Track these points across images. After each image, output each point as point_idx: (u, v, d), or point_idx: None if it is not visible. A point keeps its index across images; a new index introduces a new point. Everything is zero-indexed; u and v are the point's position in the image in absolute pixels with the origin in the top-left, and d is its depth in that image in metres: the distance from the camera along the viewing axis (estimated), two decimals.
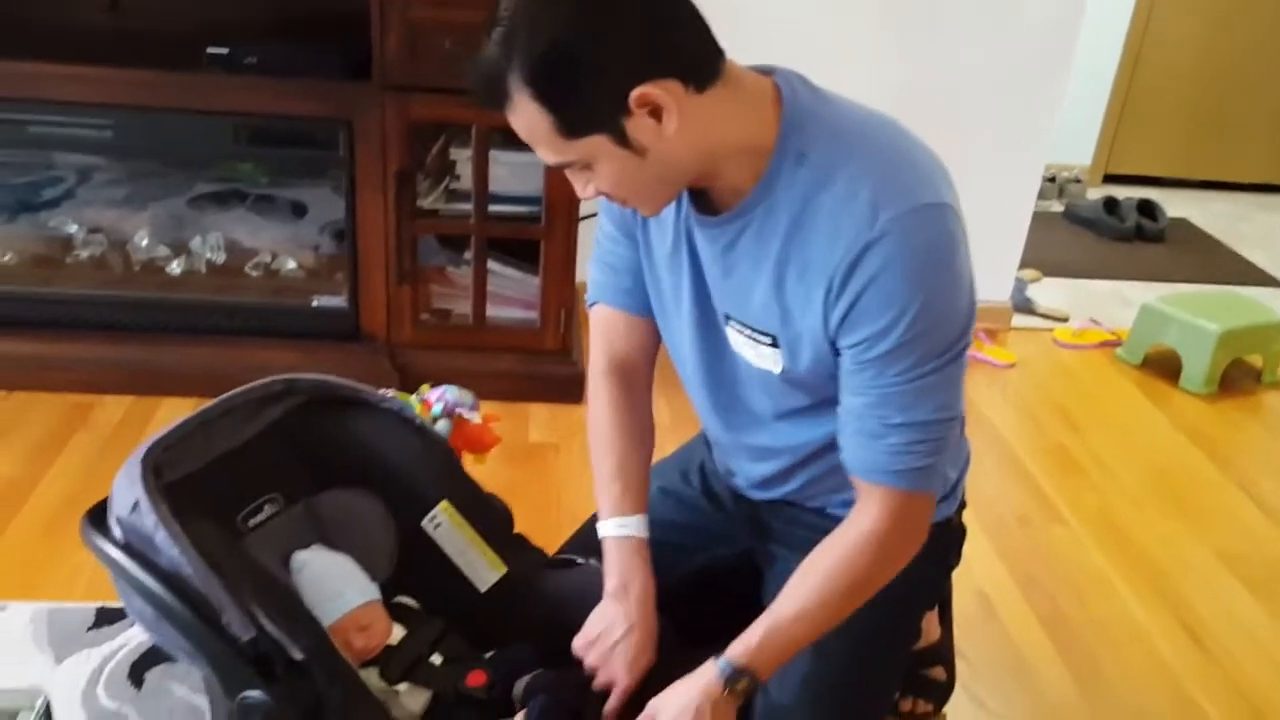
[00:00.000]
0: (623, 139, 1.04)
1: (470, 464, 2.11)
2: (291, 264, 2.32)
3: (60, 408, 2.20)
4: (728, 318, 1.23)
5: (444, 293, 2.38)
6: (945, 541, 1.44)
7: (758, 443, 1.37)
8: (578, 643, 1.33)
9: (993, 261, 2.90)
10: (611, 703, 1.30)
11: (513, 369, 2.34)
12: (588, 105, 1.02)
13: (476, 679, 1.36)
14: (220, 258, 2.29)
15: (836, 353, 1.15)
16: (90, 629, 1.64)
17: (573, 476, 2.13)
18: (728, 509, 1.54)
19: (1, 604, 1.67)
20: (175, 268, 2.27)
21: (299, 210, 2.49)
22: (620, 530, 1.34)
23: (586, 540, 1.56)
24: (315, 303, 2.27)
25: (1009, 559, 2.00)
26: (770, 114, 1.10)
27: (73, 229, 2.27)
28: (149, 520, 1.22)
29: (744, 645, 1.21)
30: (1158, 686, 1.72)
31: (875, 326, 1.08)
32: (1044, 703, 1.67)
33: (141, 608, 1.27)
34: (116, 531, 1.27)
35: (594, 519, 1.62)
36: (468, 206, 2.23)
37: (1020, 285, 3.13)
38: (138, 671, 1.57)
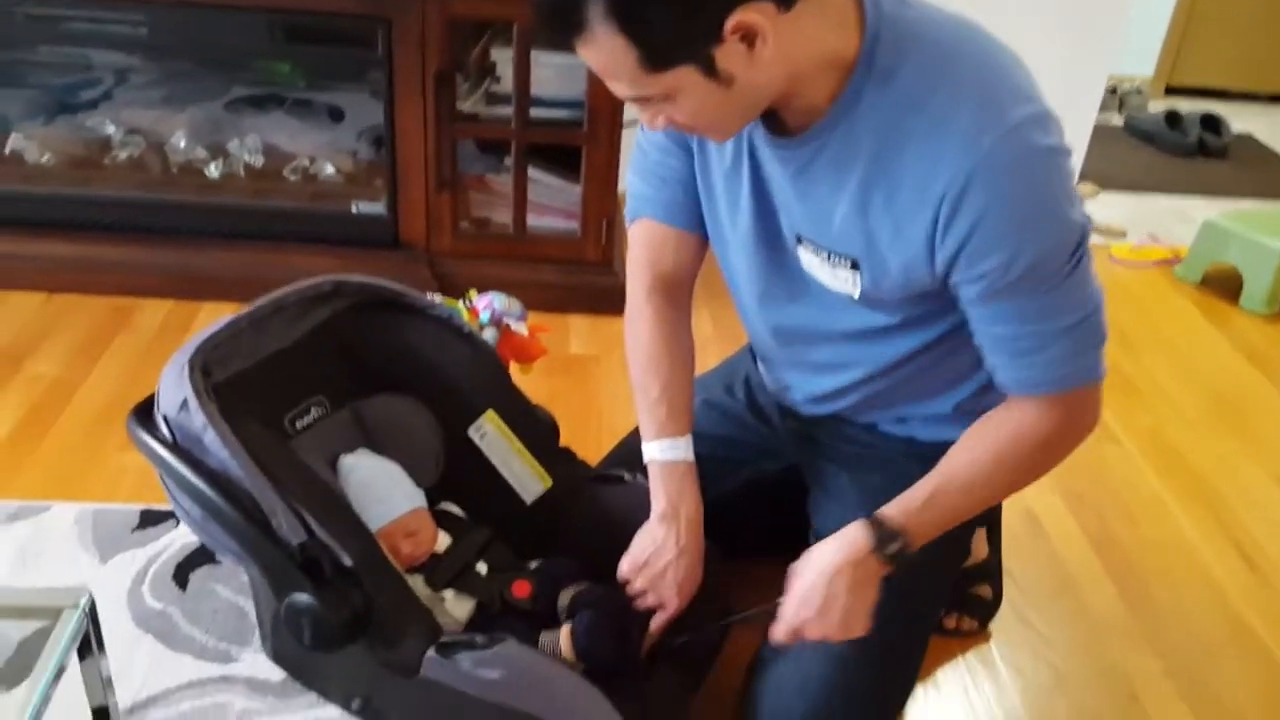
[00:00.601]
0: (711, 69, 0.96)
1: (514, 375, 2.10)
2: (330, 169, 2.28)
3: (101, 310, 2.20)
4: (800, 238, 1.17)
5: (484, 200, 2.33)
6: None
7: (819, 359, 1.32)
8: (625, 565, 1.31)
9: None
10: (657, 623, 1.29)
11: (553, 279, 2.30)
12: (678, 35, 0.94)
13: (521, 589, 1.36)
14: (259, 161, 2.25)
15: (944, 282, 1.09)
16: (135, 530, 1.64)
17: (613, 389, 2.10)
18: (773, 423, 1.51)
19: (46, 504, 1.68)
20: (213, 171, 2.23)
21: (336, 115, 2.44)
22: (669, 453, 1.31)
23: (629, 455, 1.54)
24: (355, 209, 2.23)
25: (1059, 479, 1.95)
26: (852, 23, 1.02)
27: (111, 130, 2.24)
28: (198, 420, 1.21)
29: (904, 505, 1.16)
30: (1209, 608, 1.69)
31: (995, 260, 1.02)
32: (1091, 623, 1.64)
33: (190, 507, 1.26)
34: (164, 429, 1.26)
35: (636, 433, 1.60)
36: (508, 110, 2.16)
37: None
38: (183, 573, 1.58)
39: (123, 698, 1.37)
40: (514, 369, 1.99)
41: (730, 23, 0.93)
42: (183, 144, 2.23)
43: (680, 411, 1.33)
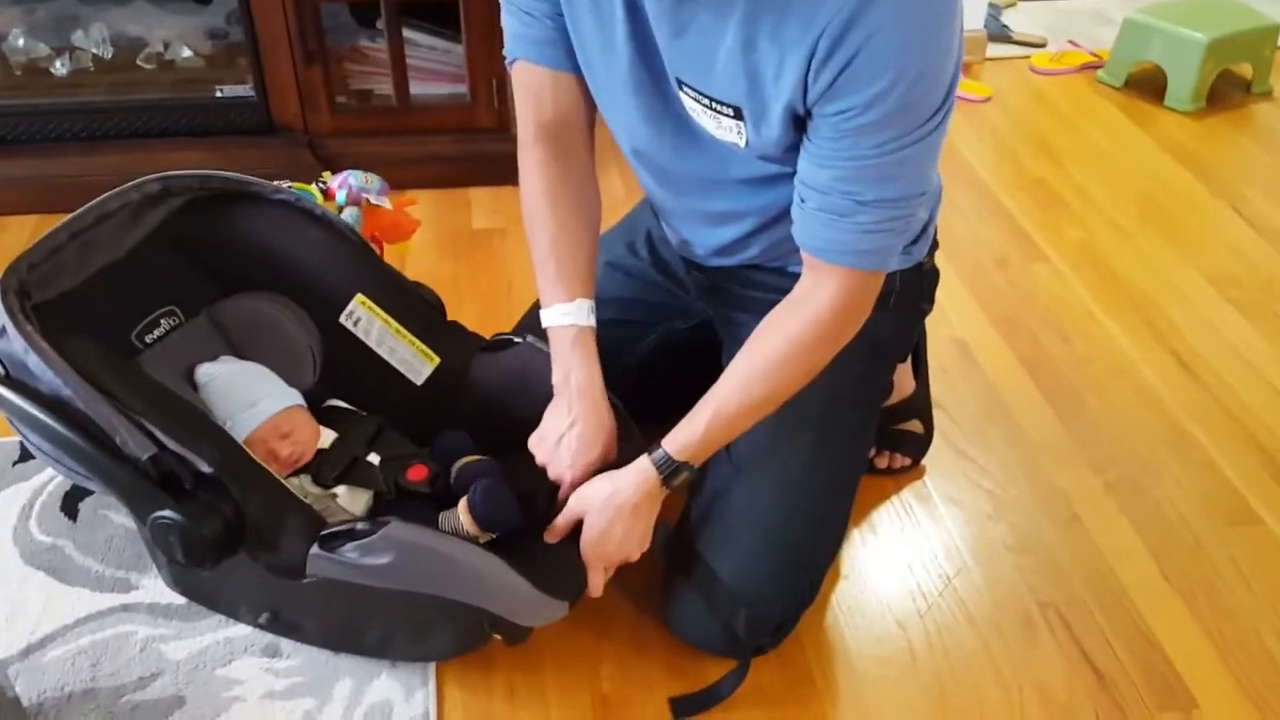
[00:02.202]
0: None
1: (405, 257, 1.98)
2: (187, 52, 2.09)
3: None
4: (680, 83, 1.05)
5: (362, 72, 2.16)
6: (917, 287, 1.33)
7: (715, 209, 1.22)
8: (532, 440, 1.24)
9: None
10: (560, 498, 1.22)
11: (447, 151, 2.15)
12: None
13: (417, 473, 1.28)
14: (108, 52, 2.06)
15: (806, 119, 0.98)
16: (16, 463, 1.54)
17: (523, 262, 1.97)
18: (679, 278, 1.42)
19: None
20: (60, 67, 2.04)
21: None
22: (556, 319, 1.21)
23: (534, 320, 1.44)
24: (219, 93, 2.06)
25: (987, 303, 1.89)
26: None
27: None
28: (18, 345, 1.10)
29: (686, 437, 1.13)
30: (1148, 418, 1.64)
31: (863, 95, 0.91)
32: (1028, 447, 1.59)
33: (35, 440, 1.16)
34: None
35: (529, 313, 1.50)
36: None
37: (994, 12, 2.90)
38: (71, 503, 1.48)
39: (16, 639, 1.29)
40: (392, 251, 1.88)
41: None
42: (22, 41, 2.03)
43: (571, 273, 1.22)
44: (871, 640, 1.30)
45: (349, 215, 1.70)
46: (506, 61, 1.22)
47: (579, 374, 1.20)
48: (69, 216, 1.26)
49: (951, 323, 1.84)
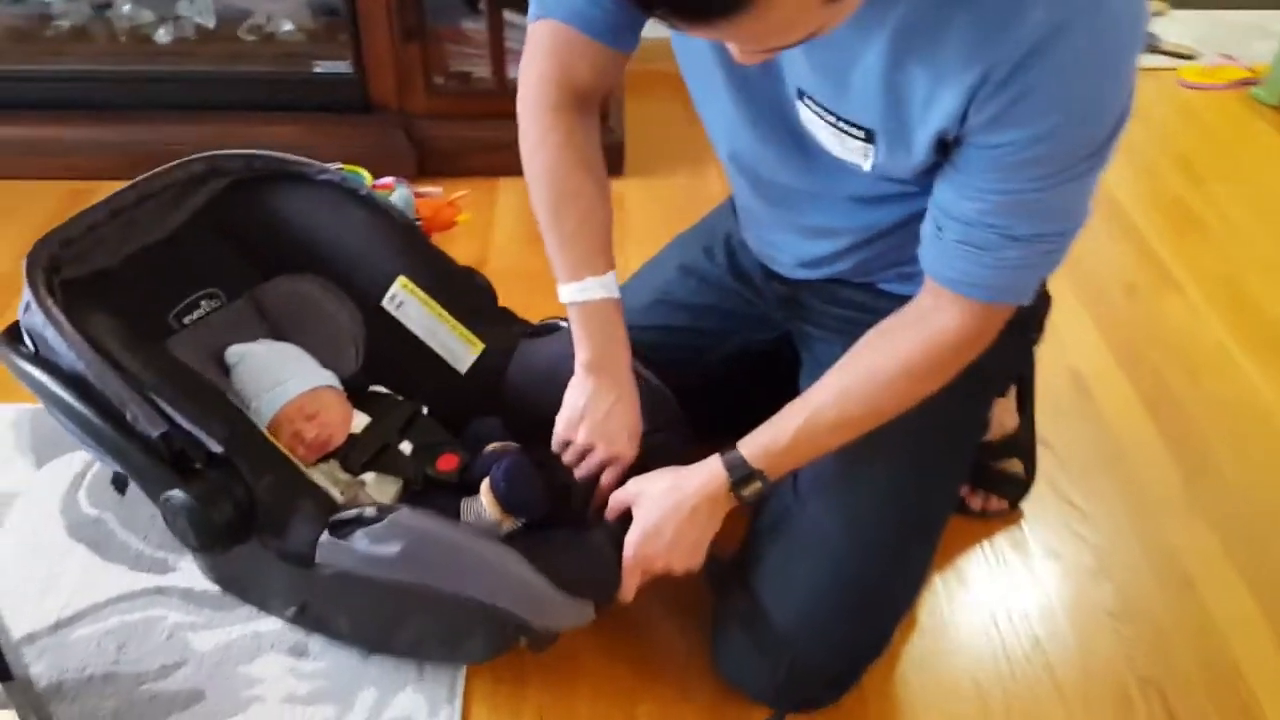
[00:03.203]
0: None
1: (493, 247, 1.91)
2: (289, 26, 2.06)
3: (57, 195, 2.04)
4: (801, 93, 0.94)
5: (461, 53, 2.10)
6: (1026, 314, 1.18)
7: (812, 222, 1.12)
8: (560, 426, 1.15)
9: None
10: (611, 476, 1.12)
11: None
12: None
13: (448, 463, 1.21)
14: (210, 22, 2.04)
15: (954, 146, 0.87)
16: None
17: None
18: (757, 286, 1.31)
19: None
20: (163, 35, 2.03)
21: None
22: (591, 293, 1.11)
23: None
24: (318, 68, 2.02)
25: (1110, 333, 1.72)
26: None
27: None
28: (38, 319, 1.06)
29: (769, 441, 1.02)
30: (1278, 475, 1.46)
31: (1032, 130, 0.81)
32: (1143, 498, 1.43)
33: (60, 418, 1.12)
34: (26, 338, 1.12)
35: None
36: None
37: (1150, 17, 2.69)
38: (121, 478, 1.44)
39: (47, 614, 1.26)
40: (475, 243, 1.83)
41: None
42: (127, 8, 2.02)
43: (601, 246, 1.13)
44: (943, 701, 1.17)
45: (399, 198, 1.63)
46: (530, 16, 1.09)
47: (623, 350, 1.13)
48: (110, 194, 1.22)
49: (1068, 352, 1.68)
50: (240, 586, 1.26)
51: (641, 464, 1.14)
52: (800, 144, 1.01)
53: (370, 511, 1.01)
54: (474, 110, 2.08)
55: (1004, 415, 1.38)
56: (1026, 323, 1.21)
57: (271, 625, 1.24)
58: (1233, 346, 1.70)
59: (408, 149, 2.04)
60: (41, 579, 1.30)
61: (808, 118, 0.97)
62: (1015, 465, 1.41)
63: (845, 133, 0.94)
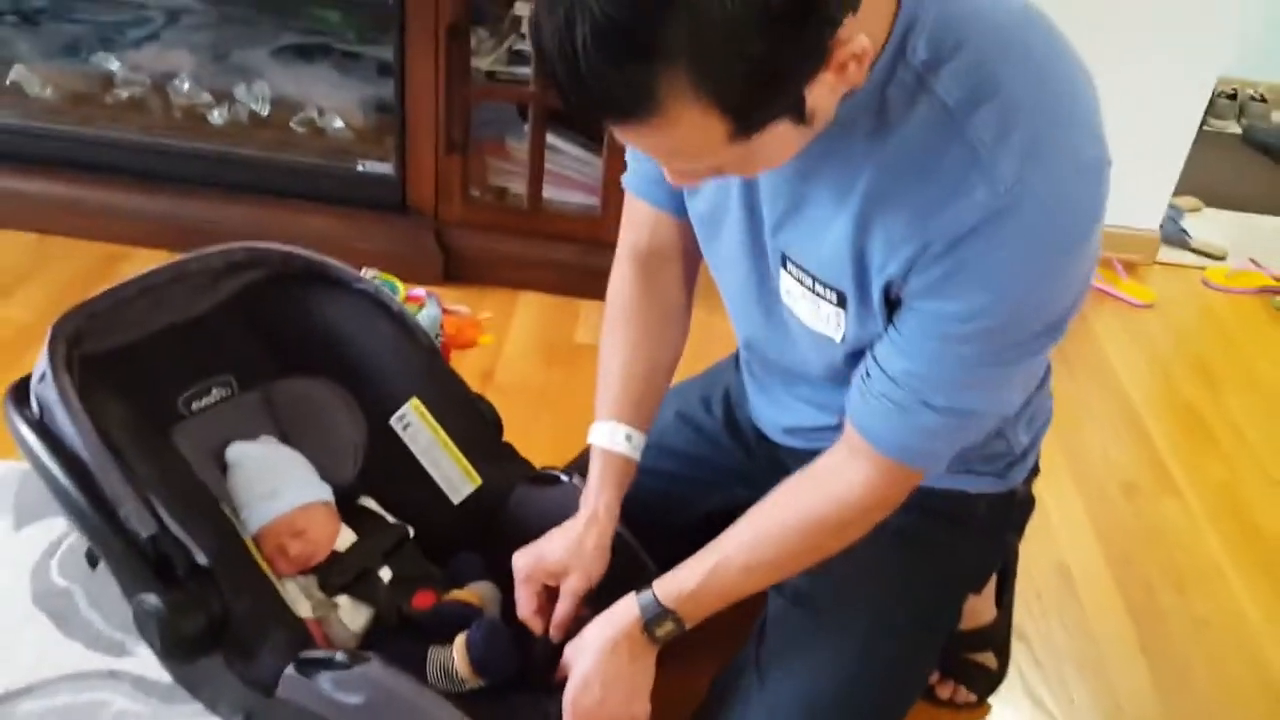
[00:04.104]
0: (801, 114, 0.75)
1: (501, 360, 1.93)
2: (339, 123, 2.13)
3: (91, 257, 2.09)
4: (785, 259, 0.97)
5: (501, 168, 2.15)
6: (1006, 515, 1.20)
7: (797, 394, 1.15)
8: (527, 555, 1.15)
9: (1143, 185, 2.52)
10: (566, 606, 1.13)
11: (568, 259, 2.11)
12: (776, 87, 0.72)
13: (424, 600, 1.20)
14: (265, 110, 2.11)
15: (897, 304, 0.90)
16: None
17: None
18: (749, 444, 1.32)
19: None
20: (217, 117, 2.10)
21: (386, 70, 2.27)
22: (610, 440, 1.16)
23: (587, 460, 1.36)
24: (361, 167, 2.08)
25: (1104, 532, 1.71)
26: (886, 8, 0.79)
27: (114, 67, 2.13)
28: (51, 394, 1.08)
29: (676, 586, 1.03)
30: (1257, 704, 1.43)
31: (963, 304, 0.83)
32: (1115, 710, 1.40)
33: (48, 488, 1.13)
34: (33, 403, 1.13)
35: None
36: (528, 70, 1.99)
37: (1175, 214, 2.73)
38: (94, 555, 1.45)
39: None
40: (488, 348, 1.86)
41: (836, 55, 0.72)
42: (187, 86, 2.10)
43: (635, 396, 1.17)
44: None
45: (427, 314, 1.66)
46: (623, 183, 1.18)
47: (611, 501, 1.14)
48: (145, 272, 1.25)
49: (1059, 546, 1.67)
50: (192, 683, 1.24)
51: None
52: (783, 318, 1.04)
53: (341, 657, 1.01)
54: (505, 225, 2.12)
55: (981, 607, 1.37)
56: (1004, 525, 1.22)
57: None
58: (1225, 562, 1.68)
59: (436, 253, 2.09)
60: None
61: (788, 285, 0.99)
62: (988, 658, 1.38)
63: (820, 296, 0.96)
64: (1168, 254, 2.63)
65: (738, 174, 0.87)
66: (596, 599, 1.13)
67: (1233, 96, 3.47)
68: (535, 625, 1.14)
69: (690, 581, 1.03)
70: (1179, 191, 2.66)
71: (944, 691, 1.37)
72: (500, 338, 2.00)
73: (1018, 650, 1.45)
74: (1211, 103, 3.39)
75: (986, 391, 0.90)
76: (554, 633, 1.13)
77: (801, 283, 0.97)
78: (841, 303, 0.94)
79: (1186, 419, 2.04)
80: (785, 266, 0.98)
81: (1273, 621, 1.57)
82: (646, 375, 1.18)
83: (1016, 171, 0.78)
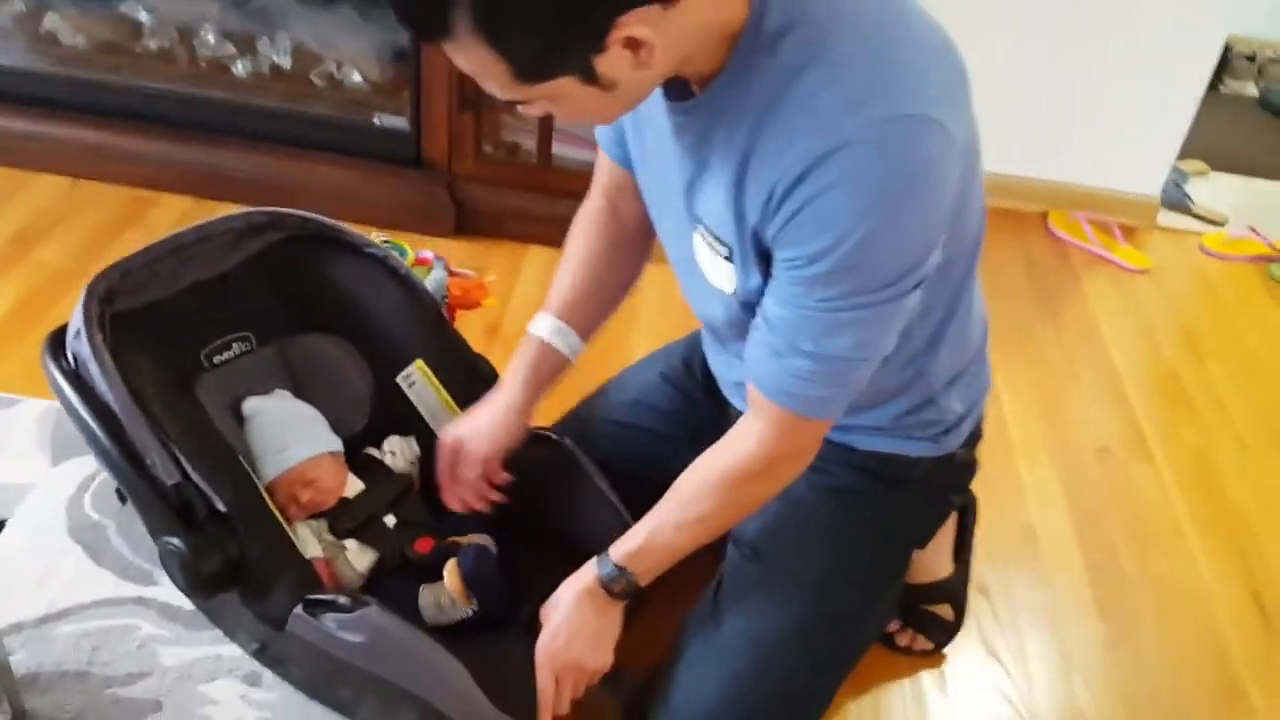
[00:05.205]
0: (591, 77, 0.86)
1: (508, 313, 2.02)
2: (357, 77, 2.20)
3: (120, 201, 2.19)
4: (696, 220, 1.06)
5: (515, 125, 2.23)
6: (945, 477, 1.30)
7: (735, 351, 1.23)
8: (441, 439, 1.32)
9: (1144, 147, 2.55)
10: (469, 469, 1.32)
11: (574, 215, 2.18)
12: (552, 52, 0.84)
13: (424, 545, 1.32)
14: (286, 63, 2.18)
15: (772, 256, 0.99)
16: None
17: (609, 339, 1.99)
18: (723, 405, 1.41)
19: (16, 399, 1.69)
20: (240, 69, 2.18)
21: None
22: (542, 329, 1.30)
23: (574, 423, 1.47)
24: (377, 120, 2.16)
25: (1072, 493, 1.80)
26: None
27: (143, 17, 2.20)
28: (85, 349, 1.18)
29: (624, 547, 1.15)
30: (1203, 661, 1.53)
31: (810, 247, 0.92)
32: (1066, 663, 1.50)
33: (80, 434, 1.24)
34: (69, 356, 1.24)
35: (589, 398, 1.52)
36: None
37: (1179, 178, 2.76)
38: (122, 491, 1.57)
39: (37, 607, 1.38)
40: (495, 305, 1.96)
41: (612, 38, 0.83)
42: (212, 38, 2.17)
43: (576, 299, 1.31)
44: None
45: (434, 278, 1.75)
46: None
47: (523, 382, 1.29)
48: (173, 233, 1.34)
49: (1028, 506, 1.76)
50: (213, 613, 1.37)
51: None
52: (698, 275, 1.14)
53: (344, 600, 1.12)
54: (516, 179, 2.20)
55: (937, 562, 1.47)
56: (944, 486, 1.32)
57: (233, 651, 1.34)
58: (1188, 525, 1.77)
59: (448, 206, 2.17)
60: (37, 573, 1.42)
61: (698, 245, 1.09)
62: (945, 610, 1.49)
63: (716, 251, 1.06)
64: (1167, 218, 2.67)
65: (562, 115, 0.95)
66: (588, 553, 1.23)
67: (1252, 58, 3.46)
68: (448, 495, 1.32)
69: (635, 541, 1.14)
70: (1187, 154, 2.69)
71: (902, 639, 1.48)
72: (508, 290, 2.09)
73: (978, 603, 1.55)
74: (1229, 64, 3.41)
75: (850, 338, 0.97)
76: (458, 495, 1.32)
77: (705, 240, 1.07)
78: (729, 257, 1.04)
79: (1168, 385, 2.11)
80: (695, 228, 1.08)
81: (1224, 582, 1.67)
82: (590, 287, 1.30)
83: (837, 123, 0.88)
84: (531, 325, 1.30)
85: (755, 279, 1.03)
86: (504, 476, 1.32)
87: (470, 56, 0.86)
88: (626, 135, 1.18)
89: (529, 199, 2.18)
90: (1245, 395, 2.11)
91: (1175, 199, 2.71)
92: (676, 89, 1.00)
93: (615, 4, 0.82)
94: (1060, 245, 2.53)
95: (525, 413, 1.29)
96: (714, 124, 0.98)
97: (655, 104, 1.05)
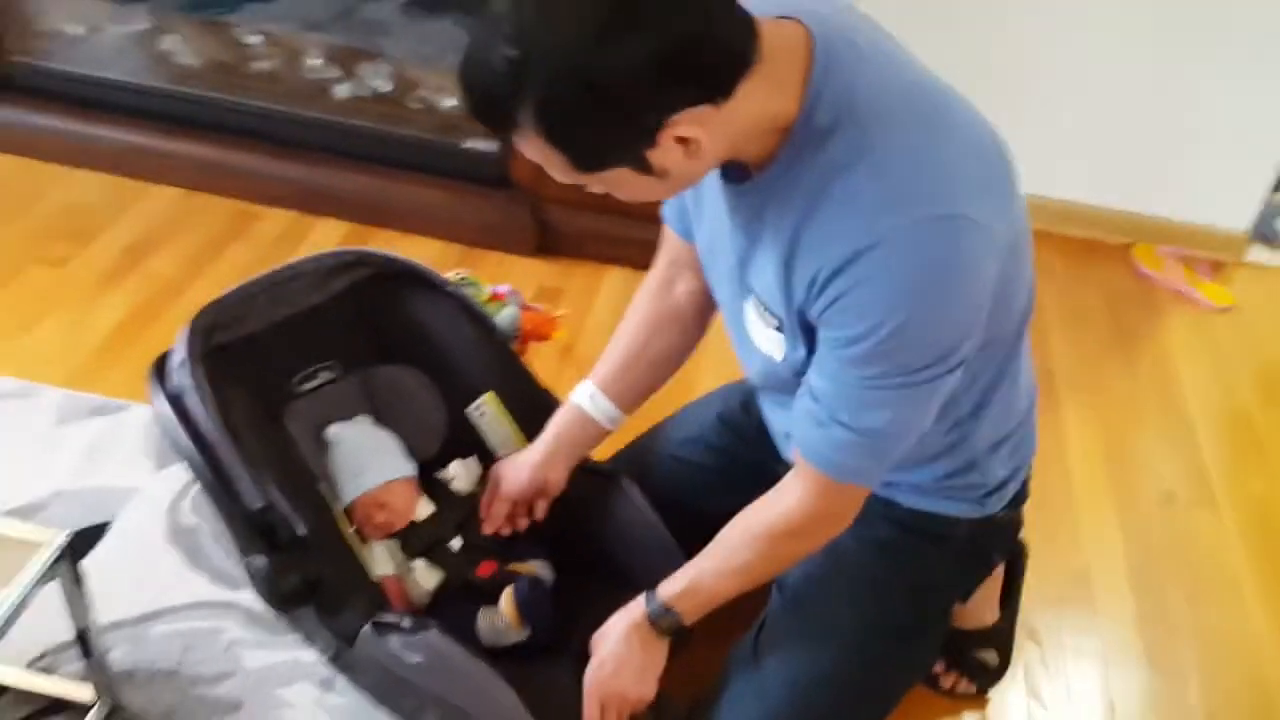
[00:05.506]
0: (645, 168, 0.94)
1: (584, 333, 2.10)
2: (451, 102, 2.30)
3: (227, 214, 2.33)
4: (748, 290, 1.13)
5: None
6: (985, 538, 1.34)
7: (781, 405, 1.29)
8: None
9: (1232, 177, 2.51)
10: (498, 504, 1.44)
11: (653, 238, 2.22)
12: (609, 146, 0.93)
13: (486, 569, 1.41)
14: (386, 86, 2.30)
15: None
16: None
17: (689, 375, 2.07)
18: (777, 451, 1.46)
19: (126, 404, 1.82)
20: (341, 91, 2.30)
21: None
22: (580, 397, 1.39)
23: (636, 453, 1.54)
24: (466, 144, 2.26)
25: (1131, 539, 1.81)
26: (795, 83, 0.96)
27: (253, 40, 2.33)
28: (187, 380, 1.30)
29: (671, 587, 1.23)
30: (1248, 717, 1.54)
31: (848, 331, 0.99)
32: (1109, 711, 1.53)
33: (178, 454, 1.35)
34: (172, 381, 1.35)
35: (652, 430, 1.59)
36: None
37: (1273, 211, 2.70)
38: None
39: (136, 606, 1.50)
40: (569, 330, 2.04)
41: (662, 135, 0.90)
42: (320, 63, 2.30)
43: (618, 369, 1.39)
44: None
45: (508, 313, 1.84)
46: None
47: (547, 441, 1.40)
48: (269, 270, 1.45)
49: (1085, 550, 1.78)
50: (294, 619, 1.48)
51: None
52: (749, 342, 1.20)
53: (408, 623, 1.22)
54: (596, 202, 2.23)
55: (984, 610, 1.50)
56: (985, 545, 1.37)
57: (310, 657, 1.45)
58: (1245, 578, 1.76)
59: (531, 227, 2.26)
60: (137, 574, 1.55)
61: (749, 314, 1.16)
62: (990, 656, 1.52)
63: (767, 322, 1.13)
64: (1257, 254, 2.63)
65: (620, 196, 1.02)
66: (640, 585, 1.30)
67: None
68: (484, 520, 1.44)
69: (681, 583, 1.21)
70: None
71: (947, 681, 1.52)
72: (585, 310, 2.17)
73: (1026, 647, 1.58)
74: None
75: (887, 414, 1.03)
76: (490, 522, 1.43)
77: (756, 310, 1.14)
78: (779, 328, 1.11)
79: (1238, 431, 2.09)
80: (748, 298, 1.15)
81: (1277, 636, 1.66)
82: (632, 357, 1.39)
83: (875, 221, 0.94)
84: (574, 391, 1.39)
85: (801, 350, 1.10)
86: (533, 517, 1.44)
87: (533, 148, 0.94)
88: (688, 208, 1.24)
89: (608, 221, 2.25)
90: None
91: (1266, 232, 2.66)
92: (734, 170, 1.06)
93: (665, 107, 0.89)
94: (1143, 280, 2.50)
95: (547, 468, 1.39)
96: (765, 207, 1.04)
97: (715, 178, 1.12)
